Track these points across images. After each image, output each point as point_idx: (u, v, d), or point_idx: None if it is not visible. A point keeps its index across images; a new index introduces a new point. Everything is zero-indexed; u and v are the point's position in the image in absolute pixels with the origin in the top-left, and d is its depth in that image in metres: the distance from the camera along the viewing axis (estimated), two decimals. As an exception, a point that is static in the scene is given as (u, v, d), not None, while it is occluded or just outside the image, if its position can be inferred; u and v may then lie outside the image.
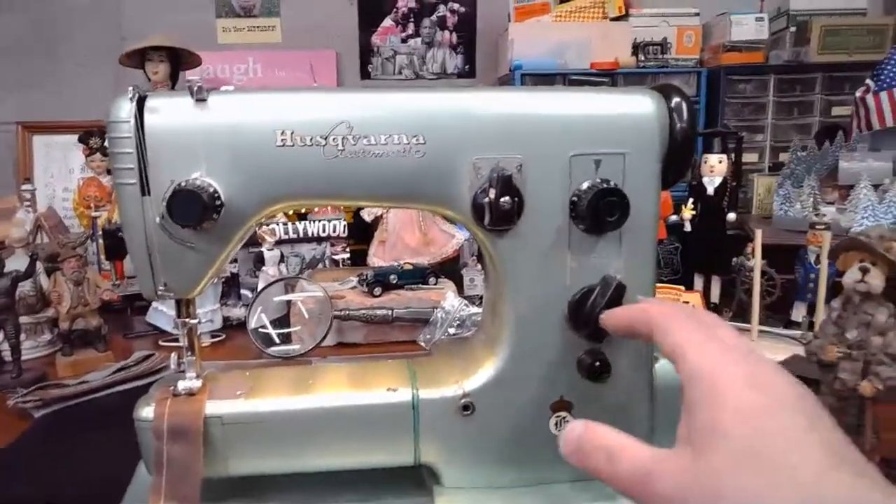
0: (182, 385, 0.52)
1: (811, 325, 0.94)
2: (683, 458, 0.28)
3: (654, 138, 0.50)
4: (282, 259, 1.12)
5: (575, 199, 0.49)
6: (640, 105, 0.50)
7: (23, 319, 0.91)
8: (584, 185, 0.49)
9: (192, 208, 0.45)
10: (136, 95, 0.46)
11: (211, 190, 0.46)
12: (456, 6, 1.74)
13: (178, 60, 1.46)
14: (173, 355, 0.54)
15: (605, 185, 0.48)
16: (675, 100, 0.51)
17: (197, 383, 0.52)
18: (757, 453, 0.26)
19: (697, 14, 1.61)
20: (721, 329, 0.33)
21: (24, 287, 0.93)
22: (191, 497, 0.49)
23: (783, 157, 1.43)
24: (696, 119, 0.51)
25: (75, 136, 1.30)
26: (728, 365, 0.30)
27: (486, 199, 0.47)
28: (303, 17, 1.75)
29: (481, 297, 1.11)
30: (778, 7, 1.67)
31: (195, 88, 0.46)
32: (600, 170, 0.49)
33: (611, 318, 0.42)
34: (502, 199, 0.47)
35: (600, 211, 0.48)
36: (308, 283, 0.99)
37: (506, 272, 0.52)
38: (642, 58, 1.57)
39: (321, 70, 1.70)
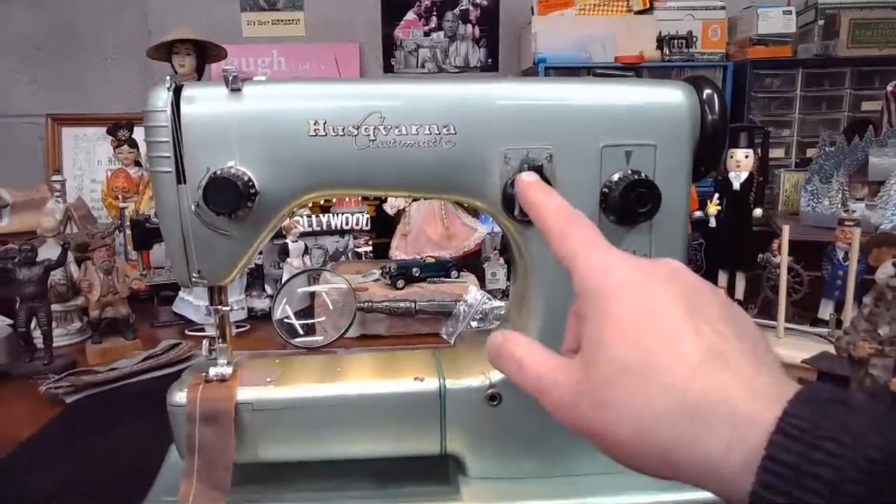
0: (214, 371, 0.53)
1: (839, 323, 0.93)
2: (576, 369, 0.29)
3: (686, 130, 0.50)
4: (306, 251, 1.13)
5: (606, 189, 0.49)
6: (671, 96, 0.50)
7: (54, 307, 0.93)
8: (616, 177, 0.49)
9: (228, 196, 0.45)
10: (173, 85, 0.47)
11: (245, 178, 0.46)
12: (478, -1, 1.74)
13: (204, 53, 1.47)
14: (205, 342, 0.55)
15: (636, 177, 0.48)
16: (707, 91, 0.50)
17: (228, 370, 0.53)
18: (635, 361, 0.27)
19: (723, 7, 1.59)
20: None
21: (56, 276, 0.95)
22: (222, 481, 0.50)
23: (811, 152, 1.41)
24: (727, 111, 0.51)
25: (103, 129, 1.32)
26: (610, 274, 0.30)
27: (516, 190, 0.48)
28: (326, 11, 1.76)
29: (503, 291, 1.12)
30: (806, 0, 1.65)
31: (230, 78, 0.47)
32: (631, 161, 0.49)
33: (518, 190, 0.38)
34: (531, 191, 0.47)
35: (632, 202, 0.48)
36: (332, 274, 1.00)
37: (534, 263, 0.52)
38: (667, 51, 1.55)
39: (345, 63, 1.71)
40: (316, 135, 0.47)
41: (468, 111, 0.48)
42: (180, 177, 0.47)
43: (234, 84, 0.46)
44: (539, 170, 0.48)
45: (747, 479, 0.24)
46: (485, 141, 0.48)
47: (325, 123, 0.47)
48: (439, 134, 0.48)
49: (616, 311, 0.28)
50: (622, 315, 0.28)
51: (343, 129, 0.47)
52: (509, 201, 0.49)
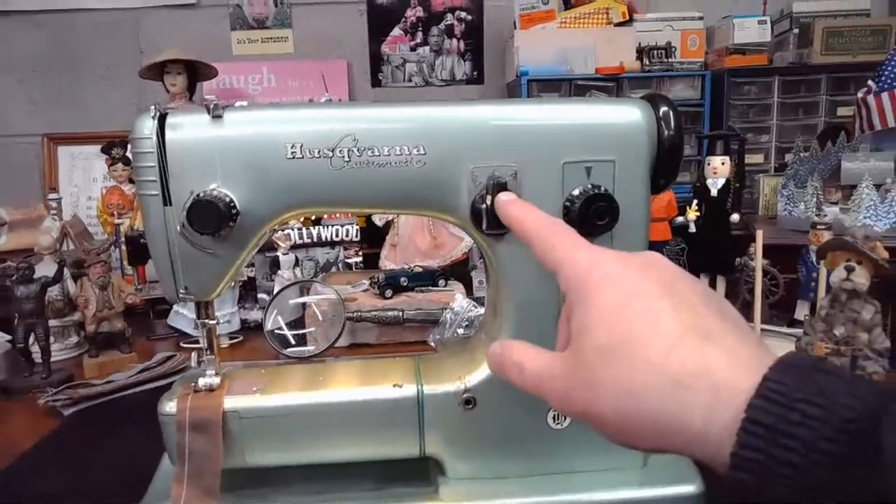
0: (202, 382, 0.55)
1: (813, 324, 0.96)
2: (566, 360, 0.32)
3: (643, 145, 0.52)
4: (297, 263, 1.16)
5: (568, 203, 0.52)
6: (628, 114, 0.53)
7: (51, 323, 0.96)
8: (576, 191, 0.52)
9: (211, 217, 0.48)
10: (158, 113, 0.50)
11: (227, 199, 0.49)
12: (463, 14, 1.77)
13: (195, 72, 1.50)
14: (193, 354, 0.58)
15: (595, 191, 0.51)
16: (663, 108, 0.53)
17: (216, 380, 0.56)
18: (618, 342, 0.29)
19: (701, 18, 1.62)
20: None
21: (53, 292, 0.97)
22: (211, 486, 0.53)
23: (788, 157, 1.44)
24: (682, 127, 0.54)
25: (98, 147, 1.36)
26: (593, 270, 0.32)
27: (484, 205, 0.51)
28: (314, 28, 1.80)
29: (489, 299, 1.14)
30: (781, 9, 1.69)
31: (211, 106, 0.50)
32: (591, 176, 0.52)
33: (499, 209, 0.42)
34: (498, 205, 0.50)
35: (591, 215, 0.50)
36: (322, 286, 1.03)
37: (504, 273, 0.55)
38: (647, 62, 1.58)
39: (333, 79, 1.74)
40: (293, 157, 0.50)
41: (437, 132, 0.51)
42: (166, 199, 0.50)
43: (216, 111, 0.50)
44: (504, 186, 0.50)
45: (729, 443, 0.25)
46: (453, 160, 0.51)
47: (301, 146, 0.50)
48: (410, 154, 0.51)
49: (597, 299, 0.31)
50: (603, 302, 0.30)
51: (319, 152, 0.50)
52: (477, 216, 0.52)
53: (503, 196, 0.42)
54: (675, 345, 0.28)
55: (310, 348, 0.97)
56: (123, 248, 1.20)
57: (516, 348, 0.35)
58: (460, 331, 1.01)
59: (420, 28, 1.78)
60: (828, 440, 0.23)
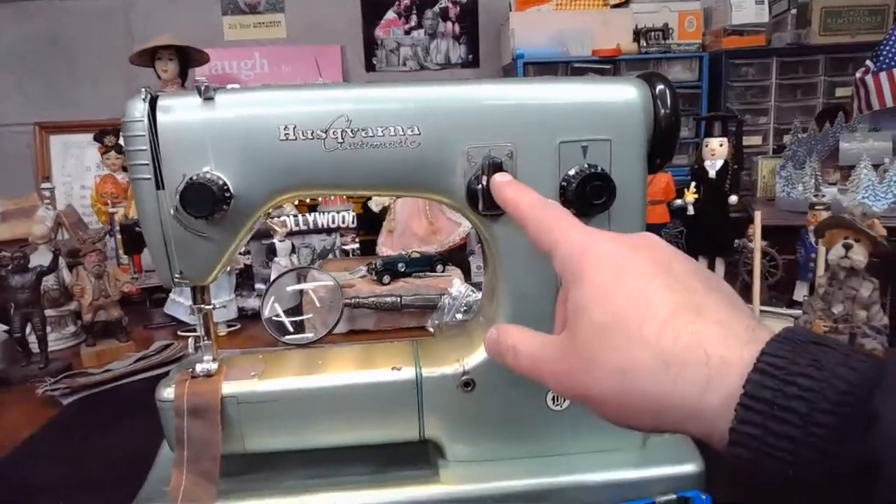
0: (200, 367, 0.55)
1: (811, 304, 0.96)
2: (562, 341, 0.32)
3: (639, 124, 0.52)
4: (293, 250, 1.16)
5: (564, 183, 0.51)
6: (624, 93, 0.52)
7: (48, 313, 0.95)
8: (573, 171, 0.51)
9: (204, 200, 0.48)
10: (148, 96, 0.49)
11: (220, 182, 0.49)
12: (457, -4, 1.76)
13: (187, 58, 1.49)
14: (191, 339, 0.58)
15: (591, 170, 0.50)
16: (659, 87, 0.53)
17: (213, 365, 0.55)
18: (610, 320, 0.29)
19: (698, -1, 1.62)
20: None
21: (48, 282, 0.97)
22: (210, 471, 0.53)
23: (787, 139, 1.44)
24: (678, 105, 0.53)
25: (90, 136, 1.35)
26: (588, 250, 0.32)
27: (479, 186, 0.50)
28: (307, 13, 1.78)
29: (487, 283, 1.14)
30: (779, -11, 1.68)
31: (202, 88, 0.49)
32: (588, 156, 0.52)
33: (494, 191, 0.42)
34: (495, 187, 0.49)
35: (587, 195, 0.50)
36: (319, 272, 1.03)
37: (501, 255, 0.54)
38: (644, 44, 1.57)
39: (326, 64, 1.73)
40: (286, 139, 0.49)
41: (431, 113, 0.51)
42: (159, 183, 0.49)
43: (207, 93, 0.49)
44: (500, 166, 0.50)
45: (726, 418, 0.25)
46: (448, 140, 0.51)
47: (294, 128, 0.49)
48: (404, 135, 0.50)
49: (591, 279, 0.31)
50: (596, 281, 0.30)
51: (312, 133, 0.49)
52: (473, 197, 0.51)
53: (498, 177, 0.42)
54: (668, 321, 0.28)
55: (308, 335, 0.97)
56: (118, 236, 1.19)
57: (511, 332, 0.35)
58: (459, 316, 1.01)
59: (414, 11, 1.77)
60: (824, 412, 0.23)
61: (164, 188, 0.50)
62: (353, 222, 1.25)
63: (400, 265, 1.07)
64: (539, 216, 0.36)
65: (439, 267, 1.10)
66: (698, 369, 0.26)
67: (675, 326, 0.28)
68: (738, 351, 0.26)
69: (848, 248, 0.57)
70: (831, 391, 0.24)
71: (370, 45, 1.79)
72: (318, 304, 0.99)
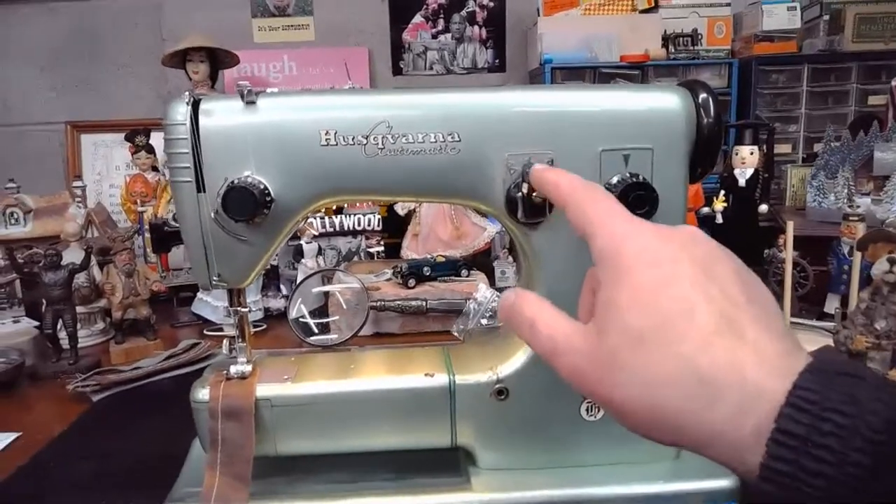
0: (234, 369, 0.55)
1: (844, 317, 0.94)
2: (589, 335, 0.30)
3: (681, 133, 0.51)
4: (319, 252, 1.16)
5: (605, 192, 0.51)
6: (667, 101, 0.52)
7: (78, 309, 0.96)
8: (614, 180, 0.51)
9: (246, 204, 0.48)
10: (191, 99, 0.49)
11: (262, 187, 0.49)
12: (485, 1, 1.76)
13: (217, 60, 1.50)
14: (225, 342, 0.58)
15: (634, 179, 0.50)
16: (702, 95, 0.52)
17: (248, 368, 0.56)
18: (649, 327, 0.28)
19: (728, 4, 1.59)
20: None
21: (79, 279, 0.98)
22: (243, 473, 0.53)
23: (817, 147, 1.42)
24: (722, 115, 0.52)
25: (121, 135, 1.36)
26: (628, 241, 0.30)
27: (519, 194, 0.50)
28: (335, 16, 1.79)
29: (512, 289, 1.13)
30: (811, -5, 1.66)
31: (245, 92, 0.49)
32: (629, 164, 0.51)
33: (534, 180, 0.40)
34: (534, 194, 0.49)
35: (630, 204, 0.49)
36: (345, 274, 1.03)
37: (539, 263, 0.54)
38: (672, 50, 1.56)
39: (354, 67, 1.74)
40: (327, 144, 0.49)
41: (472, 119, 0.50)
42: (200, 186, 0.50)
43: (249, 97, 0.49)
44: (540, 174, 0.50)
45: (756, 450, 0.25)
46: (488, 147, 0.51)
47: (335, 133, 0.49)
48: (444, 141, 0.50)
49: (632, 278, 0.29)
50: (638, 281, 0.29)
51: (353, 139, 0.49)
52: (513, 205, 0.51)
53: (538, 165, 0.41)
54: (708, 339, 0.27)
55: (333, 337, 0.97)
56: (147, 235, 1.21)
57: (532, 302, 0.33)
58: (484, 321, 1.01)
59: (441, 15, 1.77)
60: (859, 451, 0.23)
61: (204, 191, 0.50)
62: (378, 225, 1.26)
63: (425, 269, 1.06)
64: (579, 197, 0.34)
65: (464, 271, 1.09)
66: (731, 395, 0.26)
67: (716, 346, 0.27)
68: (772, 380, 0.25)
69: (893, 262, 0.56)
70: (865, 428, 0.23)
71: (397, 49, 1.80)
72: (344, 307, 0.99)
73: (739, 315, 0.28)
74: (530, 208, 0.50)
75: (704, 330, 0.27)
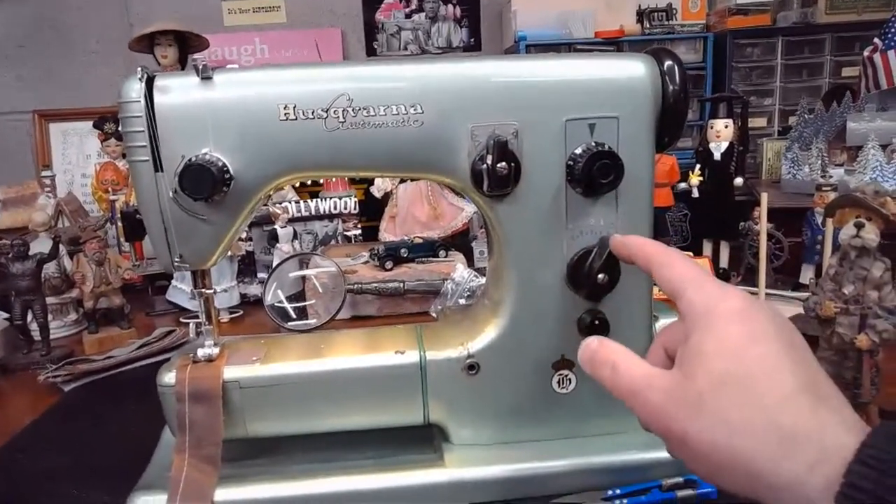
0: (201, 352, 0.55)
1: (818, 286, 0.95)
2: (673, 378, 0.32)
3: (647, 101, 0.51)
4: (295, 236, 1.15)
5: (570, 162, 0.50)
6: (632, 69, 0.51)
7: (49, 300, 0.95)
8: (579, 150, 0.50)
9: (203, 182, 0.47)
10: (145, 76, 0.48)
11: (220, 164, 0.48)
12: (459, -21, 1.74)
13: (186, 44, 1.47)
14: (192, 324, 0.57)
15: (599, 149, 0.49)
16: (668, 63, 0.52)
17: (215, 350, 0.55)
18: (733, 377, 0.30)
19: (703, -22, 1.59)
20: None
21: (49, 269, 0.96)
22: (212, 456, 0.52)
23: (792, 120, 1.42)
24: (687, 81, 0.52)
25: (90, 123, 1.33)
26: (722, 301, 0.33)
27: (484, 166, 0.49)
28: (307, -3, 1.76)
29: (490, 268, 1.13)
30: (785, -32, 1.65)
31: (200, 67, 0.48)
32: (595, 133, 0.51)
33: (617, 246, 0.45)
34: (499, 165, 0.48)
35: (595, 174, 0.49)
36: (322, 258, 1.02)
37: (506, 236, 0.53)
38: (648, 25, 1.55)
39: (327, 48, 1.71)
40: (286, 119, 0.48)
41: (434, 91, 0.49)
42: (157, 165, 0.49)
43: (205, 73, 0.48)
44: (505, 145, 0.49)
45: (825, 502, 0.26)
46: (452, 119, 0.50)
47: (294, 108, 0.48)
48: (406, 114, 0.49)
49: (723, 330, 0.32)
50: (727, 332, 0.31)
51: (312, 113, 0.48)
52: (478, 177, 0.50)
53: (616, 235, 0.45)
54: (790, 398, 0.29)
55: (311, 321, 0.97)
56: (119, 224, 1.19)
57: (614, 347, 0.36)
58: (462, 301, 1.00)
59: (415, -6, 1.75)
60: None
61: (162, 170, 0.49)
62: (354, 208, 1.24)
63: (402, 251, 1.06)
64: (670, 260, 0.37)
65: (442, 252, 1.09)
66: (810, 449, 0.27)
67: (798, 402, 0.29)
68: (847, 439, 0.27)
69: (860, 226, 0.56)
70: None
71: (371, 30, 1.77)
72: (320, 291, 0.98)
73: (818, 379, 0.30)
74: (495, 180, 0.49)
75: (790, 387, 0.29)
